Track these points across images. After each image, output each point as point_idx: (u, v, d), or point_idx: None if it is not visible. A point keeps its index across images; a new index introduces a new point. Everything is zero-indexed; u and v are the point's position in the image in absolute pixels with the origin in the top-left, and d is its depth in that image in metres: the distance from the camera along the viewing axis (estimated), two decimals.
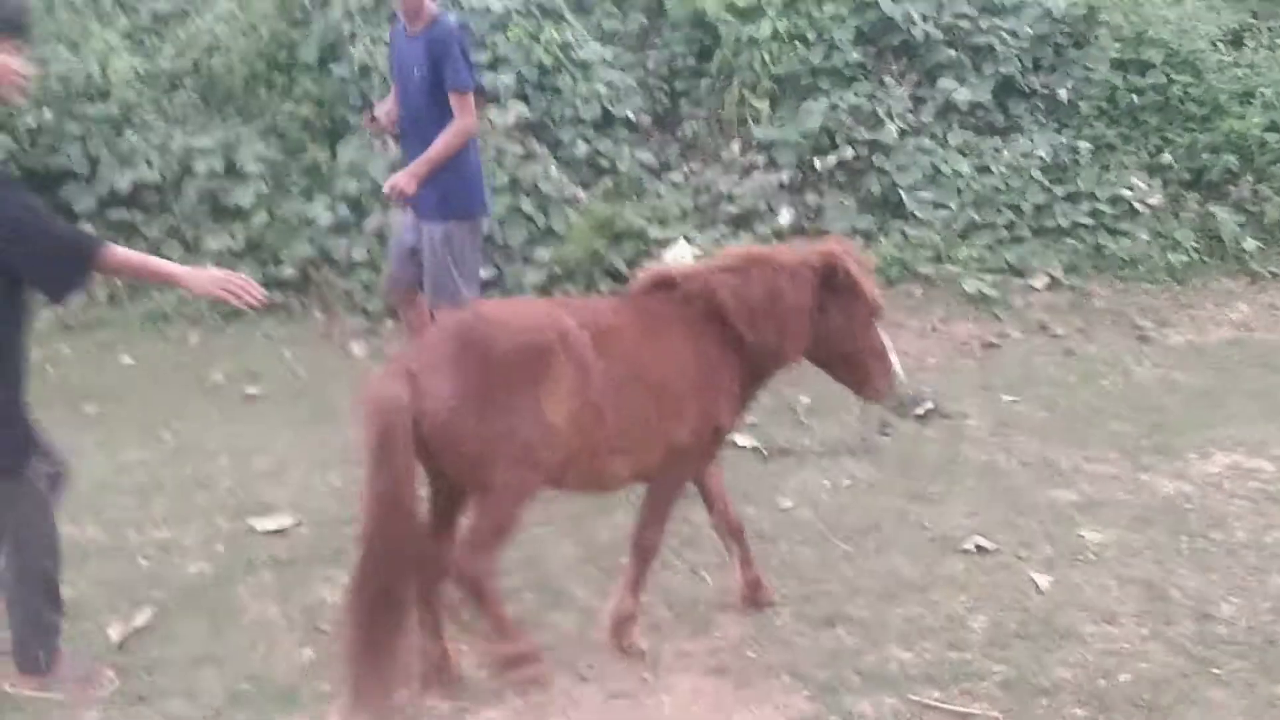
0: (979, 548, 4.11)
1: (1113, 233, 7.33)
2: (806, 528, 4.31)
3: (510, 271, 6.70)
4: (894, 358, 3.66)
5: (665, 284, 3.47)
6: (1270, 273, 7.21)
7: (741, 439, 5.09)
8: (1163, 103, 7.93)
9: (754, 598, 3.73)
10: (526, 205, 6.88)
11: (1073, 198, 7.48)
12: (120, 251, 3.17)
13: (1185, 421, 5.27)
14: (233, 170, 6.99)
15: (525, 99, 7.40)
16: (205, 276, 3.27)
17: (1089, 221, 7.35)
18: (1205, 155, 7.70)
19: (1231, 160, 7.65)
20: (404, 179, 4.75)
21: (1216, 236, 7.36)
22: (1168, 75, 7.92)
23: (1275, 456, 4.84)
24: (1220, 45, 8.31)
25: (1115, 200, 7.44)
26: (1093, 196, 7.46)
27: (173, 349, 6.35)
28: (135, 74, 7.22)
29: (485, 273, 6.44)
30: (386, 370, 3.15)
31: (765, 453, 5.04)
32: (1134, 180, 7.56)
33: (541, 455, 3.13)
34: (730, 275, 3.41)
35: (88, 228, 6.72)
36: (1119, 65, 8.05)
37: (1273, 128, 7.75)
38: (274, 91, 7.43)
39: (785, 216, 7.33)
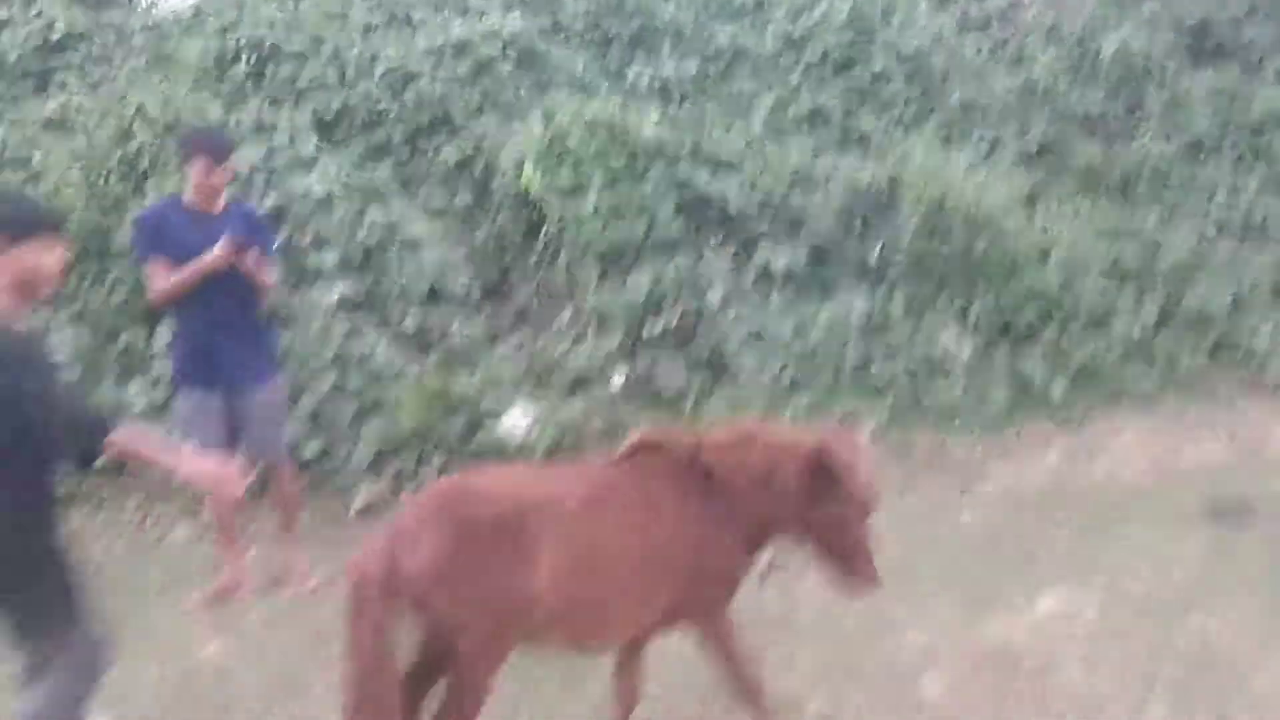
0: (823, 716, 4.05)
1: (929, 385, 7.61)
2: (645, 702, 4.16)
3: (338, 449, 6.49)
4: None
5: (653, 449, 3.51)
6: (1078, 418, 7.55)
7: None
8: (967, 262, 8.40)
9: None
10: (354, 381, 6.75)
11: (889, 353, 7.77)
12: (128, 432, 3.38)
13: (1010, 568, 5.38)
14: None
15: (352, 277, 7.36)
16: (201, 467, 3.38)
17: (906, 375, 7.63)
18: (1011, 309, 8.15)
19: (1035, 312, 8.11)
20: None
21: (1027, 385, 7.71)
22: (969, 237, 8.42)
23: (1097, 600, 4.97)
24: (1016, 208, 8.92)
25: (929, 355, 7.76)
26: (908, 352, 7.77)
27: None
28: None
29: (310, 450, 6.29)
30: (374, 537, 3.25)
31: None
32: (946, 334, 7.92)
33: (515, 624, 3.19)
34: (724, 445, 3.47)
35: None
36: (924, 229, 8.52)
37: (1068, 283, 8.29)
38: (85, 279, 7.20)
39: (618, 380, 7.39)
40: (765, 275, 8.15)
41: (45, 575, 3.24)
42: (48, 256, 3.22)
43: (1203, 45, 10.71)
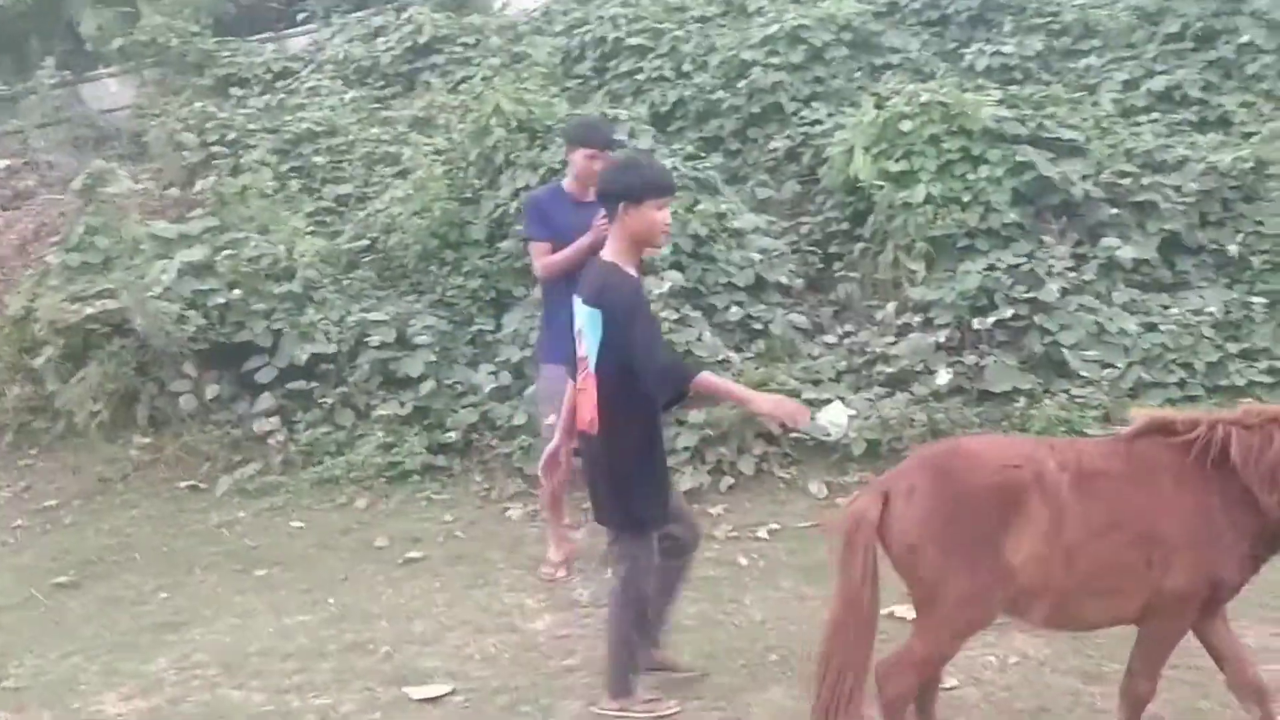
0: None
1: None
2: (971, 710, 4.12)
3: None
4: None
5: (1164, 430, 3.42)
6: None
7: (902, 609, 4.96)
8: None
9: None
10: None
11: (1247, 355, 7.15)
12: (708, 376, 3.99)
13: None
14: (404, 341, 7.39)
15: (681, 268, 7.62)
16: (768, 402, 3.91)
17: (1267, 379, 6.99)
18: None
19: None
20: None
21: None
22: None
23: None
24: None
25: None
26: (1269, 353, 7.12)
27: (340, 514, 6.63)
28: (317, 254, 7.78)
29: None
30: (868, 489, 3.46)
31: None
32: None
33: (993, 595, 3.26)
34: (1246, 431, 3.31)
35: (267, 398, 7.21)
36: None
37: None
38: (445, 267, 7.89)
39: (943, 377, 7.22)
40: (1110, 267, 7.70)
41: (645, 486, 3.95)
42: (663, 214, 3.93)
43: None
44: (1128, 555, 3.27)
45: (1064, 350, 7.18)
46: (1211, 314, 7.36)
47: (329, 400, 7.29)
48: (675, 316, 7.28)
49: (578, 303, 4.03)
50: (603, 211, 5.10)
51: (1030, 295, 7.38)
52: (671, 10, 10.74)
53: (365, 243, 8.26)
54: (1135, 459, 3.38)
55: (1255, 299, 7.51)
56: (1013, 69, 9.79)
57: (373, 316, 7.49)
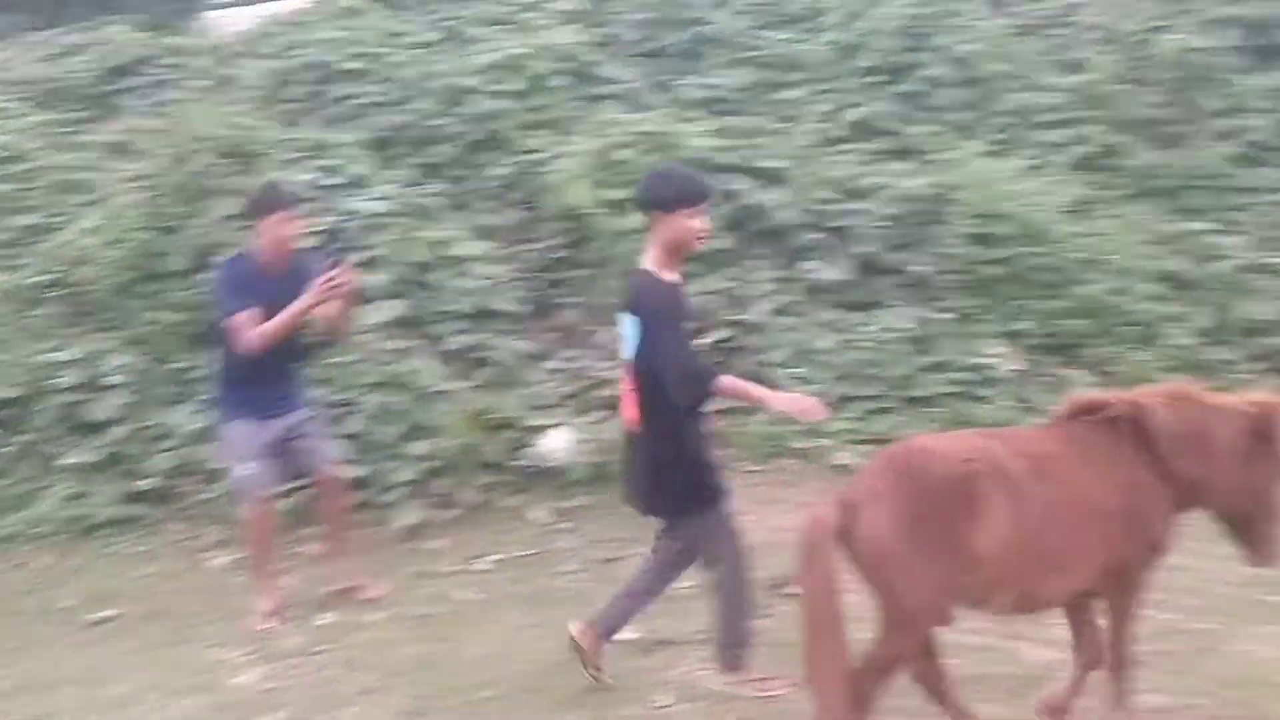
0: None
1: (976, 399, 7.52)
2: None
3: (381, 469, 6.61)
4: None
5: (1092, 409, 3.65)
6: None
7: (622, 632, 5.02)
8: (1016, 273, 8.29)
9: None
10: (400, 401, 6.87)
11: (936, 367, 7.70)
12: (729, 380, 4.08)
13: None
14: (95, 383, 6.90)
15: (401, 296, 7.49)
16: (785, 400, 4.11)
17: (953, 389, 7.55)
18: (1059, 321, 8.03)
19: (1084, 324, 7.98)
20: None
21: None
22: (1019, 247, 8.31)
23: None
24: (1067, 216, 8.78)
25: (976, 368, 7.67)
26: (954, 365, 7.70)
27: (19, 574, 6.11)
28: None
29: (355, 471, 6.40)
30: (830, 497, 3.53)
31: (646, 644, 4.94)
32: (993, 348, 7.83)
33: (957, 588, 3.39)
34: (1161, 404, 3.58)
35: None
36: (974, 240, 8.43)
37: (1118, 292, 8.14)
38: (141, 300, 7.41)
39: None
40: (813, 288, 8.13)
41: (690, 474, 4.19)
42: (698, 222, 4.08)
43: (1263, 45, 10.42)
44: (1080, 533, 3.48)
45: (772, 369, 7.51)
46: (904, 329, 7.88)
47: (9, 450, 6.71)
48: (396, 346, 7.15)
49: (620, 312, 4.27)
50: (328, 269, 5.04)
51: (740, 317, 7.70)
52: (389, 36, 10.57)
53: (52, 277, 7.66)
54: (1073, 440, 3.61)
55: (942, 315, 8.10)
56: (723, 101, 10.20)
57: (59, 356, 6.95)
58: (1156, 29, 10.66)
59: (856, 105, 10.11)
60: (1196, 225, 8.93)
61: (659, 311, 4.07)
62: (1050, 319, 8.07)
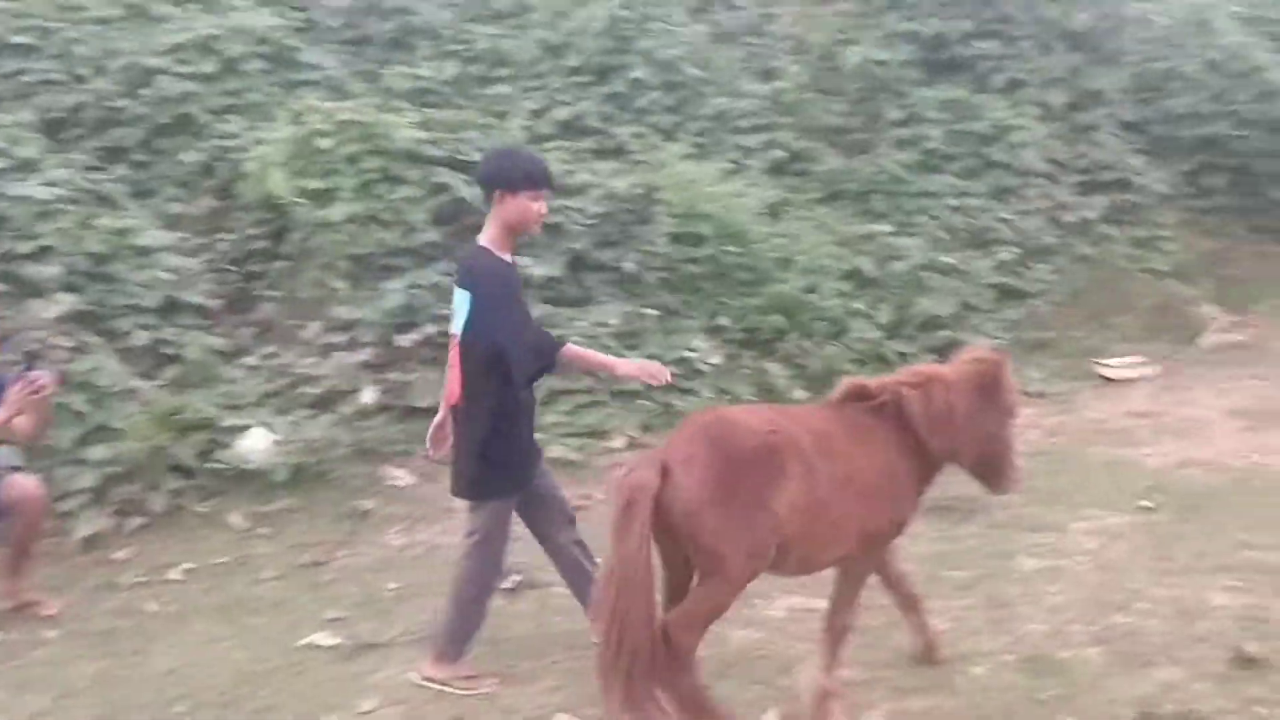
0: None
1: (681, 392, 7.77)
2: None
3: (59, 474, 6.06)
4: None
5: (861, 395, 3.96)
6: None
7: (323, 638, 4.85)
8: (717, 271, 8.64)
9: (929, 656, 4.32)
10: (77, 402, 6.32)
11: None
12: (571, 349, 4.36)
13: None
14: None
15: (76, 289, 6.90)
16: (631, 365, 4.42)
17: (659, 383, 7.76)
18: (756, 316, 8.43)
19: (779, 319, 8.41)
20: None
21: (770, 389, 7.99)
22: (719, 246, 8.66)
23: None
24: (763, 217, 9.23)
25: (681, 361, 7.93)
26: (660, 359, 7.86)
27: None
28: None
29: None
30: (643, 458, 3.66)
31: (348, 649, 4.77)
32: (696, 342, 8.12)
33: (770, 545, 3.60)
34: (914, 390, 3.91)
35: None
36: (677, 239, 8.71)
37: (811, 289, 8.64)
38: None
39: (369, 395, 7.20)
40: (524, 284, 8.11)
41: (502, 457, 4.20)
42: (538, 205, 4.17)
43: (938, 59, 11.36)
44: (853, 505, 3.78)
45: None
46: (613, 325, 8.03)
47: None
48: (71, 343, 6.57)
49: (456, 287, 4.23)
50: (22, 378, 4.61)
51: (447, 312, 7.59)
52: (64, 9, 9.72)
53: None
54: (847, 421, 3.91)
55: (648, 310, 8.32)
56: (430, 92, 10.05)
57: None
58: (842, 42, 11.40)
59: (565, 103, 10.22)
60: (879, 227, 9.62)
61: (497, 289, 4.10)
62: (748, 315, 8.46)
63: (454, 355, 4.24)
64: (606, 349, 7.72)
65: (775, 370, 8.10)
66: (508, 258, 4.22)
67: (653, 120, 10.43)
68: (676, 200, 8.81)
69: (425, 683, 4.32)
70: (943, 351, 8.61)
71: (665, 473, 3.52)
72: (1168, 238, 11.24)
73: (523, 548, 5.88)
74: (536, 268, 8.11)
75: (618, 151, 9.97)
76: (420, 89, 10.03)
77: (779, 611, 5.01)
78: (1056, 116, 11.32)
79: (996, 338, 8.78)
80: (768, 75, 11.29)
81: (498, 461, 4.19)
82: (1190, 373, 9.14)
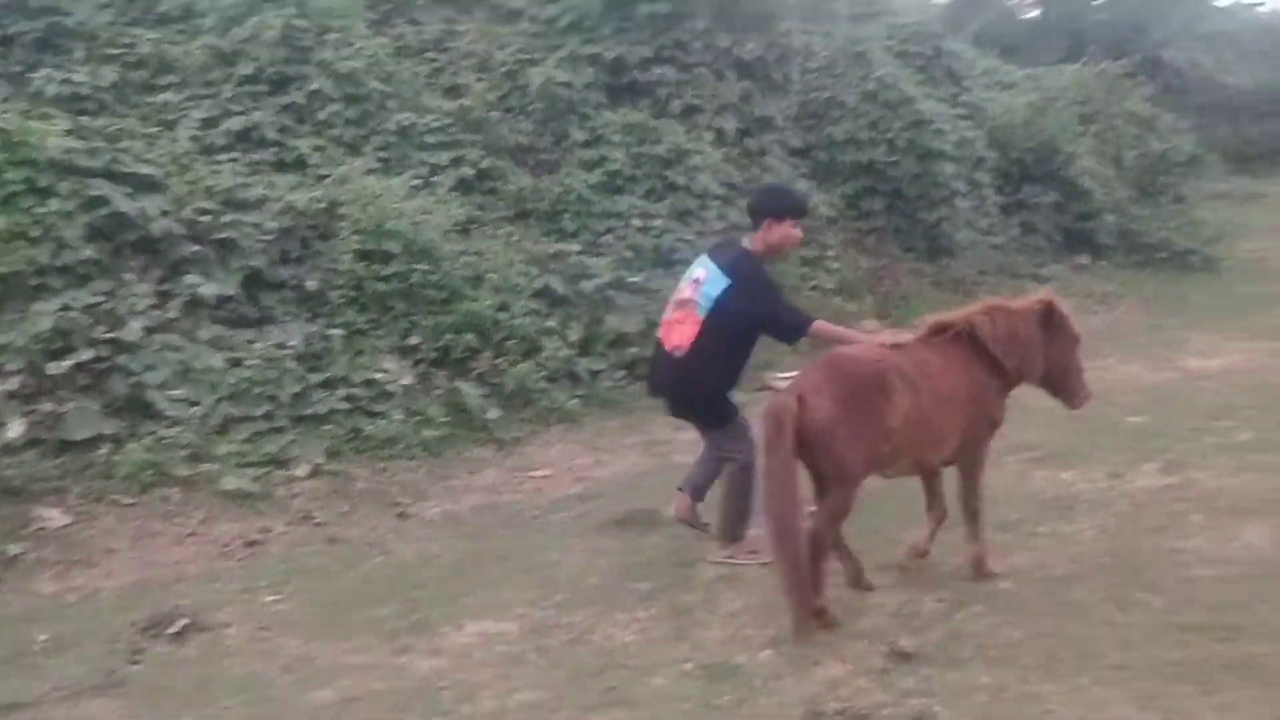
0: None
1: (370, 415, 7.56)
2: None
3: None
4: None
5: (942, 329, 4.96)
6: (513, 438, 7.89)
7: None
8: (407, 289, 8.46)
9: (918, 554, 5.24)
10: None
11: (329, 384, 7.61)
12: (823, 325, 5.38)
13: (441, 595, 5.42)
14: None
15: None
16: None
17: (346, 406, 7.52)
18: (449, 335, 8.32)
19: (471, 338, 8.34)
20: None
21: (464, 409, 7.91)
22: (408, 264, 8.48)
23: (519, 616, 5.13)
24: (452, 235, 9.13)
25: (370, 383, 7.71)
26: (348, 381, 7.66)
27: None
28: None
29: None
30: (783, 391, 4.62)
31: None
32: (386, 363, 7.92)
33: (883, 452, 4.61)
34: (983, 318, 4.92)
35: None
36: (363, 256, 8.46)
37: (503, 307, 8.62)
38: None
39: (16, 428, 6.52)
40: (194, 304, 7.65)
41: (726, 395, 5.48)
42: (797, 232, 5.38)
43: (619, 83, 11.65)
44: (952, 415, 4.78)
45: (149, 391, 6.95)
46: (294, 347, 7.70)
47: None
48: None
49: (707, 261, 5.43)
50: None
51: (111, 336, 7.04)
52: None
53: None
54: (937, 349, 4.87)
55: (334, 331, 8.04)
56: (85, 99, 9.31)
57: None
58: (526, 61, 11.50)
59: (238, 114, 9.73)
60: (568, 246, 9.74)
61: (762, 284, 5.33)
62: (440, 334, 8.34)
63: (685, 315, 5.35)
64: (288, 372, 7.45)
65: (469, 390, 8.01)
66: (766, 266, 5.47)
67: (334, 133, 10.12)
68: (362, 216, 8.56)
69: (716, 562, 5.47)
70: (631, 368, 8.87)
71: (800, 401, 4.44)
72: (833, 257, 12.07)
73: (188, 588, 5.59)
74: (206, 287, 7.66)
75: (298, 164, 9.59)
76: (74, 95, 9.25)
77: (467, 638, 4.94)
78: (730, 141, 11.89)
79: None
80: (453, 91, 11.21)
81: (724, 398, 5.46)
82: None
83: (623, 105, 11.45)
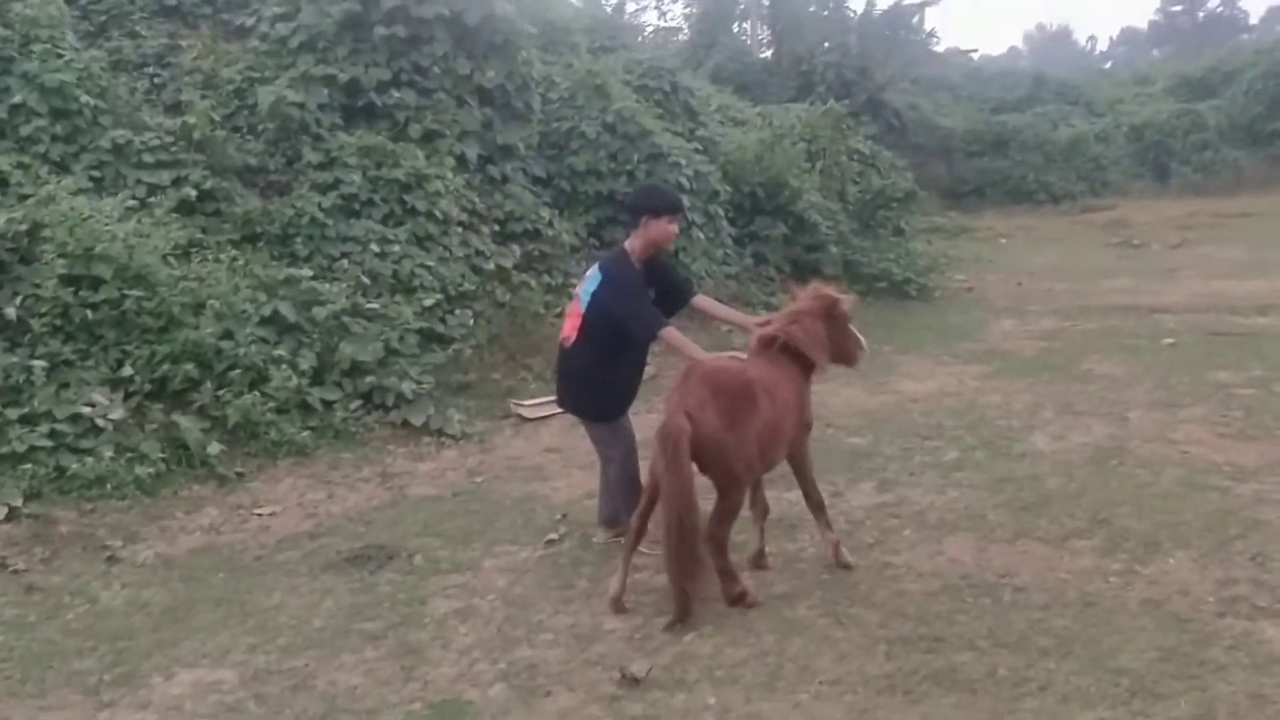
0: None
1: (76, 452, 7.01)
2: None
3: None
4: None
5: (768, 344, 5.51)
6: (236, 474, 7.50)
7: None
8: (119, 317, 7.92)
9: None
10: None
11: (29, 420, 7.02)
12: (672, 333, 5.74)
13: (151, 643, 5.09)
14: None
15: None
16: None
17: (49, 443, 6.94)
18: (166, 366, 7.82)
19: (191, 369, 7.87)
20: None
21: (183, 445, 7.46)
22: (120, 290, 7.94)
23: (237, 663, 4.88)
24: (171, 260, 8.61)
25: (76, 418, 7.15)
26: (51, 416, 7.08)
27: None
28: None
29: None
30: (671, 410, 5.01)
31: None
32: (95, 396, 7.37)
33: (756, 454, 5.14)
34: (794, 328, 5.51)
35: None
36: (70, 281, 7.87)
37: (226, 336, 8.19)
38: None
39: None
40: None
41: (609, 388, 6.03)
42: (673, 227, 5.97)
43: (355, 105, 11.36)
44: (790, 418, 5.39)
45: None
46: None
47: None
48: None
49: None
50: None
51: None
52: None
53: None
54: (767, 362, 5.42)
55: (36, 362, 7.42)
56: None
57: None
58: (255, 80, 11.05)
59: None
60: (300, 271, 9.34)
61: (623, 280, 5.80)
62: (156, 364, 7.85)
63: (573, 308, 5.97)
64: None
65: (187, 423, 7.56)
66: (636, 264, 5.88)
67: (39, 150, 9.40)
68: (69, 239, 7.95)
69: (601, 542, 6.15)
70: (368, 397, 8.63)
71: (690, 418, 4.88)
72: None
73: None
74: None
75: None
76: None
77: (179, 688, 4.65)
78: (473, 168, 11.81)
79: (420, 382, 8.90)
80: (175, 109, 10.64)
81: (606, 390, 5.96)
82: None
83: (359, 128, 11.16)
